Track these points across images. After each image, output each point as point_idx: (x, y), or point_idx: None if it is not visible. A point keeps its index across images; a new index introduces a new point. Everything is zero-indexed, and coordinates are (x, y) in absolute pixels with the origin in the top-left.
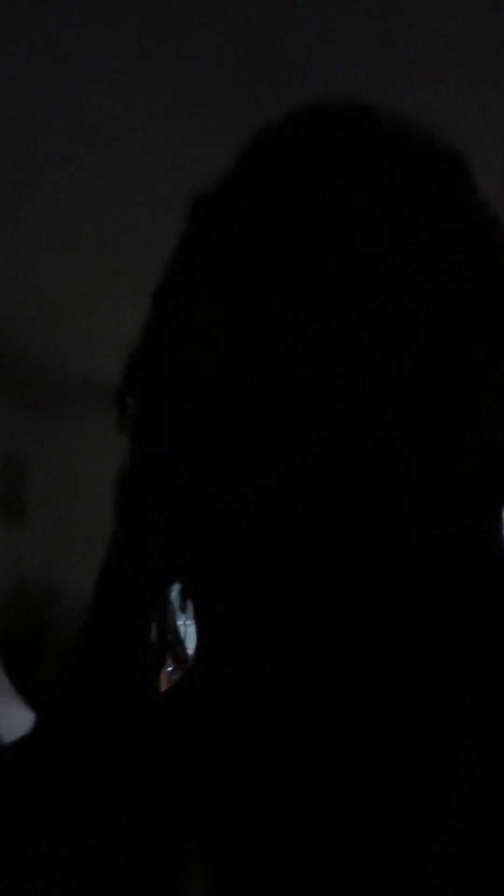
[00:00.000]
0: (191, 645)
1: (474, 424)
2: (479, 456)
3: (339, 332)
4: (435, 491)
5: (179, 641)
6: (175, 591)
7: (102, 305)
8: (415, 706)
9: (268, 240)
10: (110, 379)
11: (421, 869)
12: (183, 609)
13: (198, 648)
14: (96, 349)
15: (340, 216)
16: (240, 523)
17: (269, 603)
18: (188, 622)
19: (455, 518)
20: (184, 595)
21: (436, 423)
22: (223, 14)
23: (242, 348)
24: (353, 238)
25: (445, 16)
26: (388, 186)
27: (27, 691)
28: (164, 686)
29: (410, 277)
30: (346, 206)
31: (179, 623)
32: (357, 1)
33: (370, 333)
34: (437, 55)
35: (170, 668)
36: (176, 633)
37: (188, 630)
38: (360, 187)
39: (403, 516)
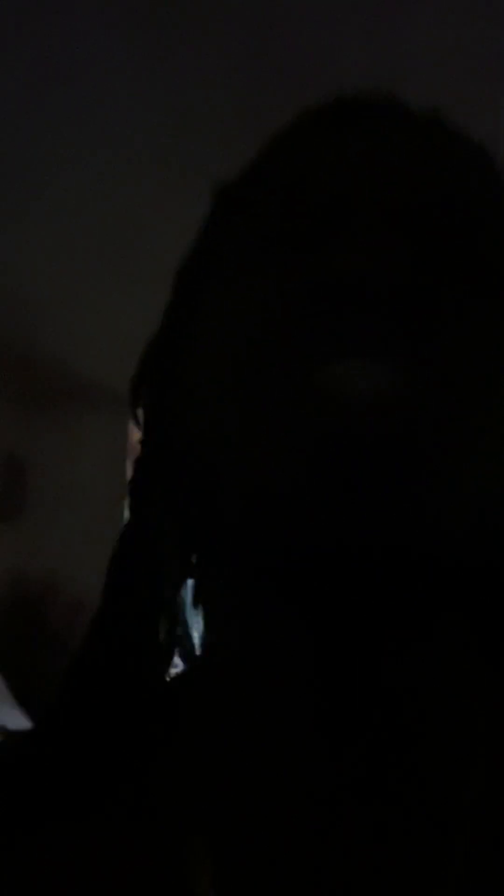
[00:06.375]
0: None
1: (494, 415)
2: (497, 449)
3: (360, 321)
4: (452, 483)
5: (188, 636)
6: (188, 586)
7: (102, 305)
8: (427, 701)
9: (291, 230)
10: (109, 378)
11: (427, 862)
12: (196, 604)
13: (206, 643)
14: (95, 348)
15: (365, 205)
16: (254, 515)
17: (280, 596)
18: (198, 617)
19: (472, 512)
20: (196, 589)
21: (455, 413)
22: (228, 15)
23: (261, 335)
24: (377, 228)
25: (449, 16)
26: (411, 175)
27: (24, 689)
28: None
29: (433, 267)
30: (371, 196)
31: (189, 618)
32: (361, 2)
33: (392, 321)
34: (440, 56)
35: (177, 663)
36: (186, 627)
37: (197, 625)
38: (383, 177)
39: (420, 510)
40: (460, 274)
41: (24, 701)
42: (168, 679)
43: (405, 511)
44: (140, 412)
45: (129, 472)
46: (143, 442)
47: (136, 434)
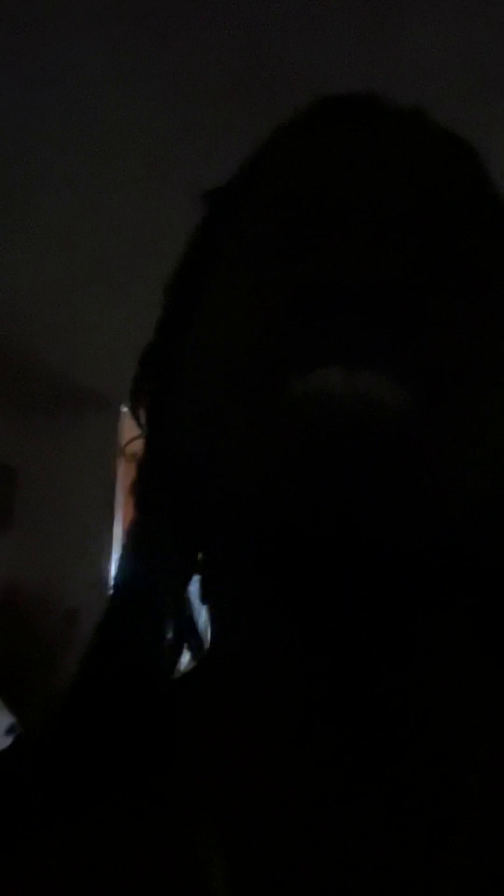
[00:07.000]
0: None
1: (490, 408)
2: (495, 441)
3: (352, 317)
4: (451, 476)
5: (197, 632)
6: (196, 582)
7: (94, 312)
8: (429, 693)
9: (285, 232)
10: (99, 385)
11: (429, 855)
12: (204, 600)
13: (213, 638)
14: (86, 356)
15: (353, 206)
16: (253, 508)
17: (280, 592)
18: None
19: (471, 504)
20: (203, 585)
21: (453, 414)
22: (224, 19)
23: (256, 331)
24: (366, 227)
25: (446, 20)
26: (400, 175)
27: (16, 694)
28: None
29: (430, 266)
30: (359, 196)
31: (198, 613)
32: (357, 6)
33: (383, 318)
34: (437, 59)
35: (187, 658)
36: (193, 623)
37: (206, 620)
38: (372, 176)
39: (416, 509)
40: (457, 273)
41: (16, 709)
42: (178, 675)
43: (401, 509)
44: (142, 413)
45: (120, 479)
46: (145, 441)
47: (125, 440)
